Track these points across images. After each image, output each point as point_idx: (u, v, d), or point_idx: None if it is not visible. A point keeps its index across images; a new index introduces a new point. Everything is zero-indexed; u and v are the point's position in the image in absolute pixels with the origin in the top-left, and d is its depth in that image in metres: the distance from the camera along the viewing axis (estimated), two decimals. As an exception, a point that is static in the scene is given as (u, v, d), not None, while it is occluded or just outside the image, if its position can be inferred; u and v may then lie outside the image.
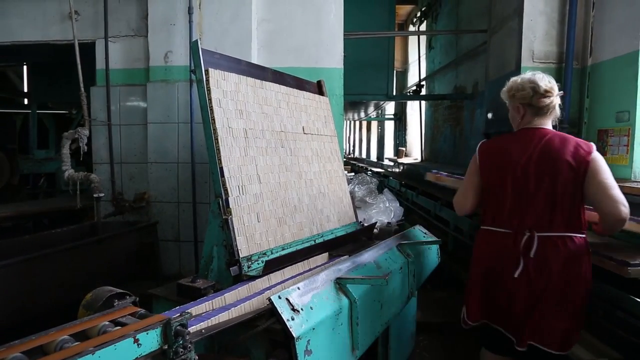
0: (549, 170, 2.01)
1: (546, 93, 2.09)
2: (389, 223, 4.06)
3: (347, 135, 21.85)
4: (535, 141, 2.07)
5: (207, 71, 2.35)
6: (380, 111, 12.90)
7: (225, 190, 2.25)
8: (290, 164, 2.82)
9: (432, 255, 3.12)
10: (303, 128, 3.04)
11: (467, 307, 2.24)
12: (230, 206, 2.24)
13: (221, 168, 2.27)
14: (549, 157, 2.02)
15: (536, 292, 2.00)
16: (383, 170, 9.96)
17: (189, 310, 1.52)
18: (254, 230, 2.36)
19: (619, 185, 2.16)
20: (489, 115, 4.68)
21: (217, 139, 2.30)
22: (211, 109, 2.32)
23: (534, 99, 2.09)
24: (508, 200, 2.09)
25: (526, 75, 2.17)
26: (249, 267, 2.23)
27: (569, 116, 3.72)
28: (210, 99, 2.32)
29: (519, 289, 2.03)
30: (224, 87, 2.44)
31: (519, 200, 2.07)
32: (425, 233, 3.15)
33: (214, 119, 2.31)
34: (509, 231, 2.08)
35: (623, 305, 2.37)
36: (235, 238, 2.22)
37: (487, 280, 2.16)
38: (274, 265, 2.23)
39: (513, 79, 2.21)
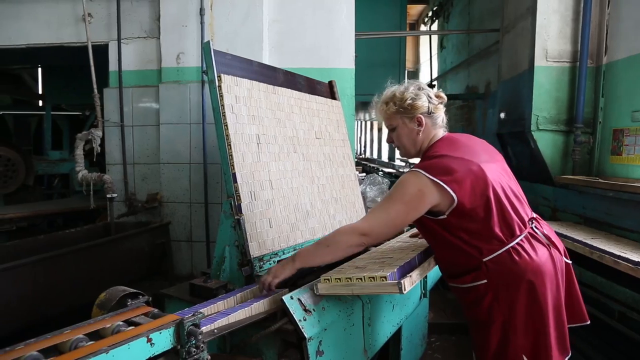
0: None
1: (439, 98, 1.94)
2: (400, 224, 4.03)
3: (358, 135, 21.79)
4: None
5: (219, 77, 2.33)
6: (391, 111, 12.84)
7: (238, 196, 2.24)
8: (303, 169, 2.81)
9: (444, 256, 3.09)
10: (315, 133, 3.03)
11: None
12: (243, 212, 2.23)
13: (234, 174, 2.25)
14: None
15: None
16: (394, 171, 9.92)
17: (201, 310, 1.53)
18: (267, 236, 2.35)
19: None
20: (502, 115, 4.64)
21: (229, 145, 2.28)
22: (224, 115, 2.30)
23: (431, 107, 1.90)
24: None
25: (398, 86, 1.98)
26: (260, 268, 2.23)
27: (584, 116, 3.68)
28: (222, 105, 2.31)
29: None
30: (236, 92, 2.43)
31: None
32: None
33: (226, 125, 2.30)
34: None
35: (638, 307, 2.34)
36: (247, 239, 2.22)
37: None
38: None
39: (392, 89, 1.98)
